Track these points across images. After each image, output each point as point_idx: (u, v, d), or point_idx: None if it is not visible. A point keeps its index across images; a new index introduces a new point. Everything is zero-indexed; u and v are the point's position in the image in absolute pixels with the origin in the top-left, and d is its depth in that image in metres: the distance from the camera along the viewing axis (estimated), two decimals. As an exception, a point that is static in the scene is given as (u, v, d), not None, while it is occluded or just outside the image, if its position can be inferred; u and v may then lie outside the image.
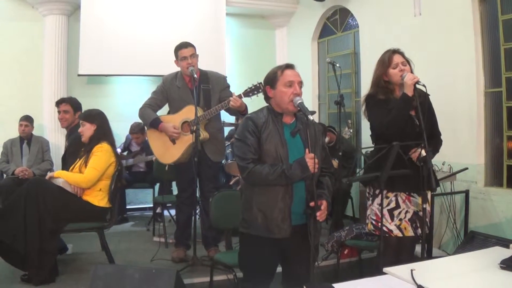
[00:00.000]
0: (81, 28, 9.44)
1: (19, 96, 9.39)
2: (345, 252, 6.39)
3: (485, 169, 6.41)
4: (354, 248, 6.22)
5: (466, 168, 6.14)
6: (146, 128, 6.49)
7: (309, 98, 10.16)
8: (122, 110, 9.61)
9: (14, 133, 8.41)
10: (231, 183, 8.35)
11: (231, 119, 7.72)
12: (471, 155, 6.43)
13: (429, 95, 4.49)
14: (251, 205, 3.85)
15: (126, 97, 9.84)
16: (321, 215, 3.60)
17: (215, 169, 6.49)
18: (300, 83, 3.83)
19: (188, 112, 6.06)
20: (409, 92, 4.32)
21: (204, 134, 5.98)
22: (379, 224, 4.47)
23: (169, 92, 6.31)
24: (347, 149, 7.84)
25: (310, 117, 3.53)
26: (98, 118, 5.85)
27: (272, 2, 10.82)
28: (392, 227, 4.50)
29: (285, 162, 3.71)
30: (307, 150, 3.63)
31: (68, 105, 7.00)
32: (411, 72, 4.52)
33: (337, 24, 9.90)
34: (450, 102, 6.53)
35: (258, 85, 5.70)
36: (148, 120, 6.25)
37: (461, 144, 6.50)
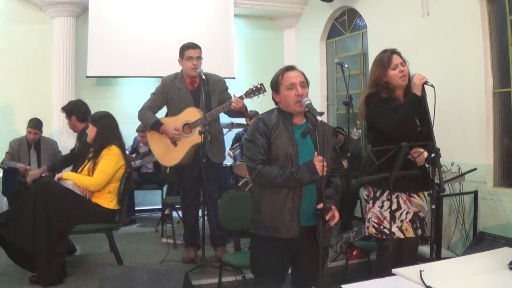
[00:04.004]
0: (89, 30, 9.48)
1: (28, 98, 9.43)
2: (354, 253, 6.37)
3: (494, 170, 6.39)
4: (362, 249, 6.22)
5: (475, 169, 6.14)
6: (146, 130, 6.48)
7: (318, 99, 10.17)
8: (130, 111, 9.56)
9: (22, 135, 8.36)
10: (239, 184, 8.34)
11: (240, 120, 7.69)
12: (479, 155, 6.41)
13: (425, 95, 4.46)
14: (260, 205, 3.86)
15: (134, 98, 9.81)
16: (331, 218, 3.61)
17: (217, 169, 6.48)
18: (302, 83, 3.82)
19: (189, 114, 6.08)
20: (418, 92, 4.31)
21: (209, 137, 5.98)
22: (381, 227, 4.46)
23: (169, 93, 6.30)
24: (355, 150, 7.83)
25: (319, 118, 3.52)
26: (100, 121, 5.87)
27: (280, 3, 10.82)
28: (394, 229, 4.46)
29: (294, 162, 3.71)
30: (316, 153, 3.63)
31: (64, 112, 7.03)
32: (409, 72, 4.51)
33: (345, 25, 9.89)
34: (458, 103, 6.53)
35: (259, 86, 5.74)
36: (149, 122, 6.25)
37: (470, 144, 6.48)
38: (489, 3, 6.39)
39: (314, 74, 10.06)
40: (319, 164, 3.55)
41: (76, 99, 7.76)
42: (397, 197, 4.50)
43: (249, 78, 10.30)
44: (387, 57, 4.54)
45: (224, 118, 6.78)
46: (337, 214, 3.70)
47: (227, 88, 6.46)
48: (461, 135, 6.49)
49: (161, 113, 6.56)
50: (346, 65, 7.27)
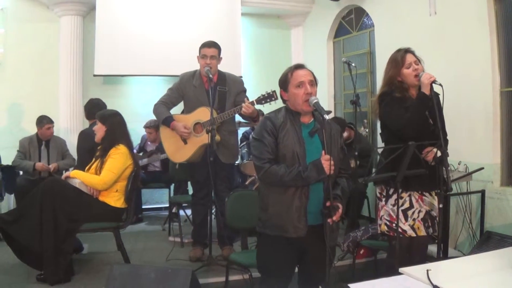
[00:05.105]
0: (96, 29, 9.49)
1: (35, 96, 9.45)
2: (361, 252, 6.38)
3: (501, 169, 6.38)
4: (370, 248, 6.21)
5: (482, 168, 6.12)
6: (159, 125, 6.52)
7: (325, 98, 10.16)
8: (138, 110, 9.63)
9: (31, 133, 8.43)
10: (246, 183, 8.34)
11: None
12: (487, 154, 6.40)
13: (439, 94, 4.46)
14: (267, 204, 3.86)
15: (142, 97, 9.87)
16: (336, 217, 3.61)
17: (228, 170, 6.49)
18: (311, 82, 3.81)
19: (201, 114, 6.09)
20: (427, 91, 4.30)
21: (215, 136, 5.95)
22: (393, 225, 4.46)
23: (185, 90, 6.32)
24: (365, 148, 7.81)
25: (326, 117, 3.52)
26: (109, 120, 5.89)
27: (287, 2, 10.80)
28: (406, 227, 4.49)
29: (302, 161, 3.71)
30: (323, 152, 3.63)
31: None
32: (423, 71, 4.50)
33: (352, 24, 9.88)
34: (465, 102, 6.52)
35: (271, 93, 5.69)
36: (161, 117, 6.28)
37: (477, 143, 6.47)
38: (496, 2, 6.37)
39: (322, 73, 10.03)
40: (326, 163, 3.55)
41: (96, 98, 7.85)
42: (409, 195, 4.52)
43: (257, 76, 10.35)
44: (400, 56, 4.55)
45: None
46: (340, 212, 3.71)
47: (244, 90, 6.45)
48: (468, 134, 6.48)
49: (176, 109, 6.59)
50: (353, 64, 7.25)
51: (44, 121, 8.26)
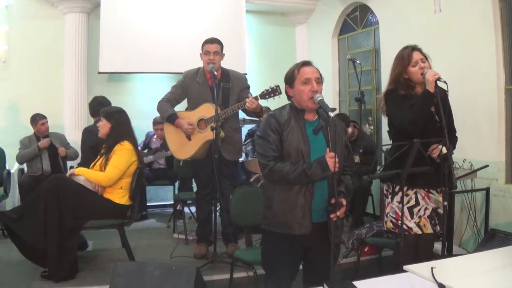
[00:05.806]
0: (101, 26, 9.51)
1: (40, 94, 9.46)
2: (366, 249, 6.36)
3: (505, 166, 6.37)
4: (374, 245, 6.20)
5: (487, 166, 6.10)
6: (163, 122, 6.53)
7: (330, 95, 10.14)
8: (143, 107, 9.63)
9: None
10: (251, 180, 8.33)
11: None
12: (491, 152, 6.39)
13: (447, 91, 4.44)
14: (272, 202, 3.85)
15: (147, 94, 9.87)
16: (340, 213, 3.60)
17: (231, 167, 6.49)
18: (318, 79, 3.79)
19: (205, 110, 6.10)
20: (431, 89, 4.28)
21: (220, 133, 5.94)
22: (399, 222, 4.45)
23: (189, 87, 6.32)
24: (369, 145, 7.81)
25: (331, 114, 3.52)
26: (115, 117, 5.88)
27: (292, -1, 10.81)
28: (411, 224, 4.48)
29: (306, 159, 3.69)
30: (328, 149, 3.62)
31: None
32: (430, 68, 4.48)
33: (357, 21, 9.87)
34: (470, 99, 6.51)
35: (275, 87, 5.71)
36: (165, 114, 6.28)
37: (482, 141, 6.46)
38: (501, 0, 6.36)
39: (326, 70, 10.00)
40: (331, 160, 3.53)
41: (101, 95, 7.87)
42: (415, 193, 4.52)
43: (261, 73, 10.35)
44: (407, 54, 4.53)
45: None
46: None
47: (247, 87, 6.45)
48: (473, 132, 6.47)
49: (180, 106, 6.60)
50: (358, 61, 7.25)
51: (37, 118, 8.32)
